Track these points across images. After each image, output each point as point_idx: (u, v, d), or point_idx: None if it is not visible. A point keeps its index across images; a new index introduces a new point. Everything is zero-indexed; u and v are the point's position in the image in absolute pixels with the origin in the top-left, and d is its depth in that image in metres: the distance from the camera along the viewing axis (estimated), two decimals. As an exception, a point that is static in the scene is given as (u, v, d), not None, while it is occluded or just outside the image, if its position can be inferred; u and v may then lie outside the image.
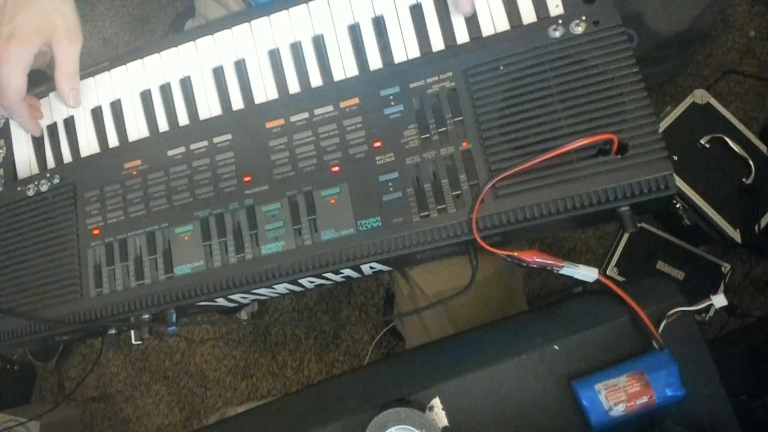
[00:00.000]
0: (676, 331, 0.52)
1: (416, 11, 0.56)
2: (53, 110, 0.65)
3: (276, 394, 1.41)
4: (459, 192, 0.51)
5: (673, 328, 0.52)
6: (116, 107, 0.63)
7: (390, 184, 0.53)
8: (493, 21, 0.55)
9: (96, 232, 0.59)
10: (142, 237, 0.58)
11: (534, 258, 0.51)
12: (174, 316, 0.57)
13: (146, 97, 0.62)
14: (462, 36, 0.55)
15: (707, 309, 0.97)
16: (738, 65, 1.36)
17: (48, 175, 0.62)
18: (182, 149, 0.59)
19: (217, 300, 0.57)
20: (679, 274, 1.17)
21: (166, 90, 0.62)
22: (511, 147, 0.50)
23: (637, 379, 0.49)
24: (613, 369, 0.50)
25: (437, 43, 0.55)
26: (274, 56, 0.59)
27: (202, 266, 0.56)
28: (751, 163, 1.10)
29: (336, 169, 0.54)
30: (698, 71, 1.37)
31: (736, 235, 1.10)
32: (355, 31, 0.57)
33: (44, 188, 0.62)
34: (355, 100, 0.55)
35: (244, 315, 1.34)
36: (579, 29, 0.52)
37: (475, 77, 0.53)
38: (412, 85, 0.54)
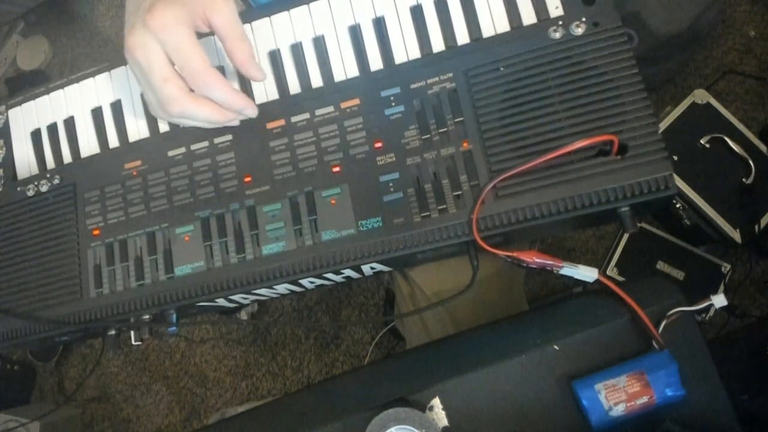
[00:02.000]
0: (676, 331, 0.52)
1: (417, 12, 0.56)
2: (53, 110, 0.65)
3: (276, 394, 1.41)
4: (460, 192, 0.51)
5: (673, 328, 0.52)
6: (117, 107, 0.63)
7: (391, 184, 0.53)
8: (494, 22, 0.55)
9: (96, 232, 0.59)
10: (142, 237, 0.58)
11: (534, 258, 0.51)
12: (174, 316, 0.57)
13: (147, 97, 0.62)
14: (462, 37, 0.55)
15: (707, 309, 0.97)
16: (738, 65, 1.36)
17: (48, 175, 0.62)
18: (183, 149, 0.59)
19: (217, 300, 0.57)
20: (679, 274, 1.18)
21: (166, 90, 0.61)
22: (512, 148, 0.50)
23: (637, 379, 0.49)
24: (613, 369, 0.50)
25: (438, 44, 0.55)
26: (275, 57, 0.59)
27: (202, 266, 0.56)
28: (751, 163, 1.11)
29: (337, 169, 0.54)
30: (698, 71, 1.37)
31: (736, 235, 1.10)
32: (355, 31, 0.57)
33: (44, 188, 0.62)
34: (356, 101, 0.55)
35: (244, 315, 1.34)
36: (579, 30, 0.52)
37: (475, 78, 0.53)
38: (412, 86, 0.54)
